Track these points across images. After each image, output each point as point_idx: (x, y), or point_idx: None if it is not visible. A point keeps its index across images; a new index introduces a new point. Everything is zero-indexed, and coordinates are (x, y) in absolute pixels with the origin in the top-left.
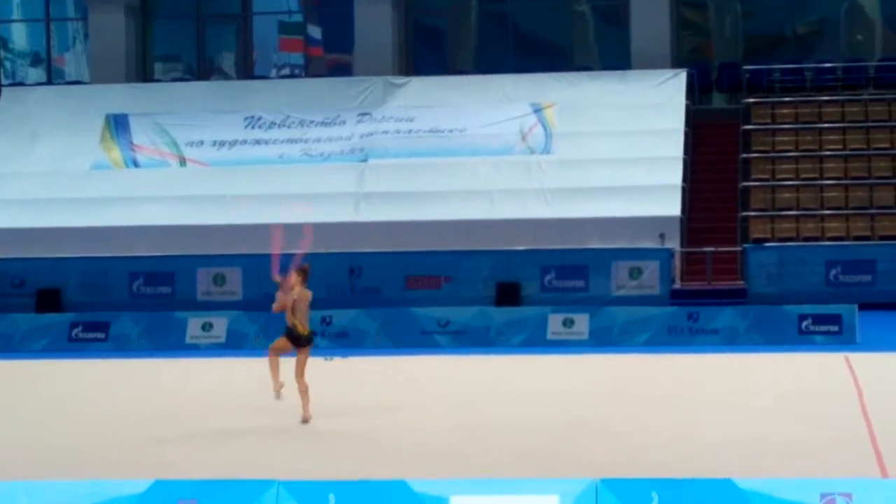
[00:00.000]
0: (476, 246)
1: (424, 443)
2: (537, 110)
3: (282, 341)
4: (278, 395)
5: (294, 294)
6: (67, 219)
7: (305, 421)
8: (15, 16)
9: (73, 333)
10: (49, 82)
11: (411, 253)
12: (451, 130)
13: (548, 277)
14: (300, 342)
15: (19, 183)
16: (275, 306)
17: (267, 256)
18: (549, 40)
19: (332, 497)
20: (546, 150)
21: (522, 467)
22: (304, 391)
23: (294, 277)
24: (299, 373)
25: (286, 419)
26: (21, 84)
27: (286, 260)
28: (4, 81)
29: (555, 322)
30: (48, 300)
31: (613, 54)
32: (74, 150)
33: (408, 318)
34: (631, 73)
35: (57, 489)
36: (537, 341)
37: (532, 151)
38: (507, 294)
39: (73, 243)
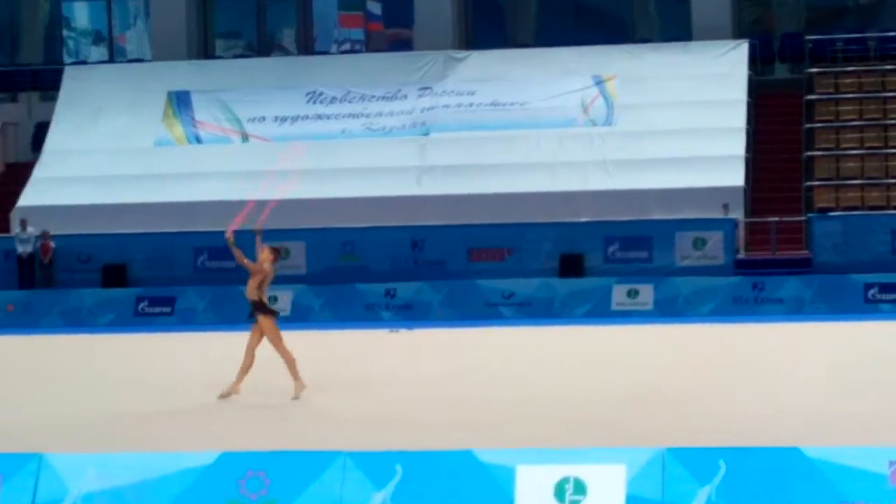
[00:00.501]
0: (539, 218)
1: (490, 413)
2: (599, 83)
3: (269, 324)
4: (228, 394)
5: (265, 267)
6: (132, 195)
7: (299, 392)
8: None
9: (140, 308)
10: (111, 60)
11: (474, 226)
12: (512, 104)
13: (611, 249)
14: (266, 313)
15: (84, 160)
16: (246, 262)
17: (331, 230)
18: (609, 12)
19: (398, 468)
20: (608, 122)
21: (588, 437)
22: (292, 362)
23: (267, 253)
24: (278, 344)
25: (350, 391)
26: (83, 62)
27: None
28: (67, 60)
29: (619, 293)
30: (114, 275)
31: (674, 26)
32: (137, 127)
33: (472, 290)
34: (692, 45)
35: (124, 461)
36: (601, 312)
37: (594, 124)
38: (571, 265)
39: (137, 219)
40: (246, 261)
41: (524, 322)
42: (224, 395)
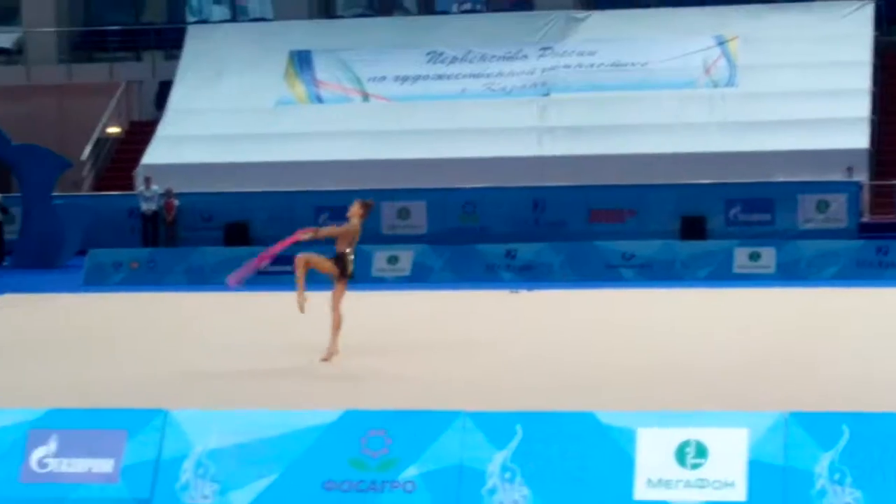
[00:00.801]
0: (660, 180)
1: (611, 375)
2: (721, 43)
3: (324, 260)
4: (302, 309)
5: (354, 222)
6: (253, 154)
7: (329, 357)
8: None
9: (262, 267)
10: (233, 19)
11: (595, 187)
12: (633, 64)
13: (733, 211)
14: (345, 273)
15: (206, 119)
16: (322, 231)
17: (452, 191)
18: None
19: (519, 428)
20: (730, 82)
21: (709, 401)
22: (337, 325)
23: (357, 208)
24: (337, 305)
25: (470, 352)
26: (206, 22)
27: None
28: (190, 19)
29: (741, 255)
30: (236, 234)
31: None
32: (259, 87)
33: (592, 251)
34: (816, 5)
35: (248, 418)
36: (723, 275)
37: (716, 84)
38: (692, 228)
39: (259, 178)
40: (330, 229)
41: (644, 284)
42: (325, 358)
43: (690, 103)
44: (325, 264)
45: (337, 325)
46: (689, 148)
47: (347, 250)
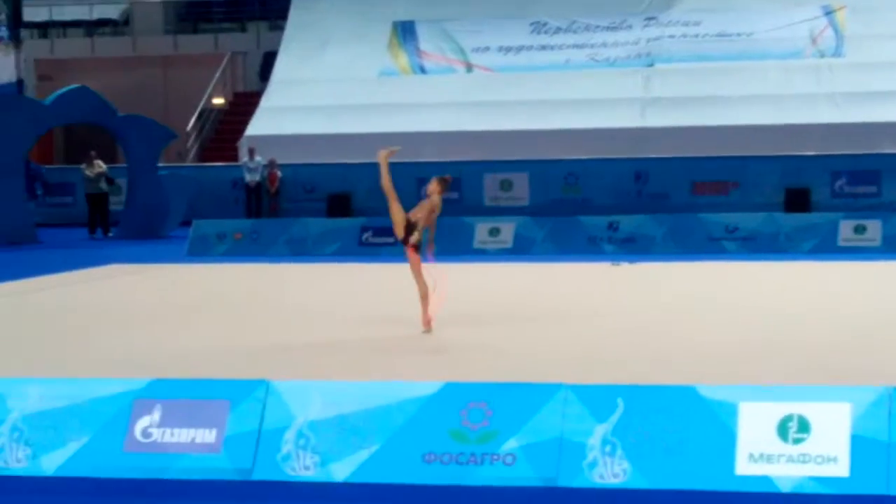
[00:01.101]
0: (764, 151)
1: (711, 349)
2: (828, 13)
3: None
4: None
5: (432, 202)
6: (356, 125)
7: (428, 327)
8: None
9: (364, 237)
10: None
11: (698, 158)
12: (738, 34)
13: (838, 183)
14: (406, 241)
15: (310, 89)
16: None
17: (554, 162)
18: None
19: (620, 401)
20: (837, 53)
21: (812, 375)
22: (424, 294)
23: (435, 185)
24: (417, 275)
25: (570, 323)
26: None
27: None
28: None
29: (846, 228)
30: (339, 205)
31: None
32: (362, 57)
33: (695, 223)
34: None
35: (349, 390)
36: (827, 248)
37: (822, 55)
38: (797, 200)
39: (362, 149)
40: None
41: (747, 257)
42: (426, 329)
43: (796, 74)
44: (398, 228)
45: (423, 295)
46: (793, 119)
47: (420, 223)
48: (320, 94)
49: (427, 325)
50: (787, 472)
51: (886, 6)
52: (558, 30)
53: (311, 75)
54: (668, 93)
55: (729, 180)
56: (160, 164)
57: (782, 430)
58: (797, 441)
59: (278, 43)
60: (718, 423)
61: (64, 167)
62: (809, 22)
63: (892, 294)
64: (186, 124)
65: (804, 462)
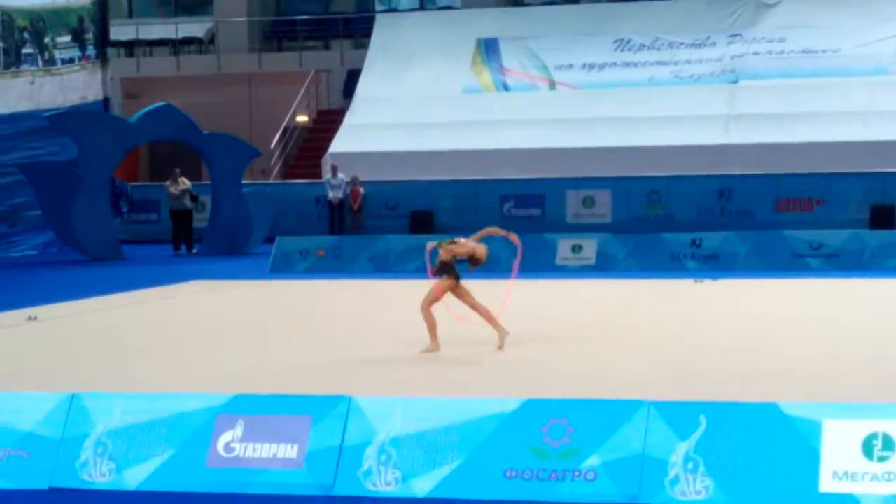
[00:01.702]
0: (849, 168)
1: (796, 366)
2: None
3: (440, 284)
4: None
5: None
6: (439, 142)
7: (501, 344)
8: None
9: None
10: (421, 8)
11: (782, 175)
12: (824, 51)
13: None
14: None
15: (394, 107)
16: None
17: (638, 179)
18: None
19: (702, 419)
20: None
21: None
22: (485, 315)
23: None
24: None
25: (655, 340)
26: (394, 10)
27: None
28: (379, 8)
29: None
30: (421, 222)
31: None
32: (446, 75)
33: (779, 240)
34: None
35: (430, 405)
36: None
37: None
38: (882, 217)
39: (444, 166)
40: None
41: (832, 274)
42: (500, 346)
43: (881, 90)
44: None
45: (485, 316)
46: (879, 136)
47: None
48: (403, 111)
49: (501, 342)
50: (871, 489)
51: None
52: (642, 47)
53: (395, 93)
54: (752, 109)
55: (813, 197)
56: (244, 182)
57: (867, 448)
58: (882, 459)
59: (362, 61)
60: (802, 441)
61: (149, 184)
62: (895, 38)
63: None
64: (270, 142)
65: (889, 480)
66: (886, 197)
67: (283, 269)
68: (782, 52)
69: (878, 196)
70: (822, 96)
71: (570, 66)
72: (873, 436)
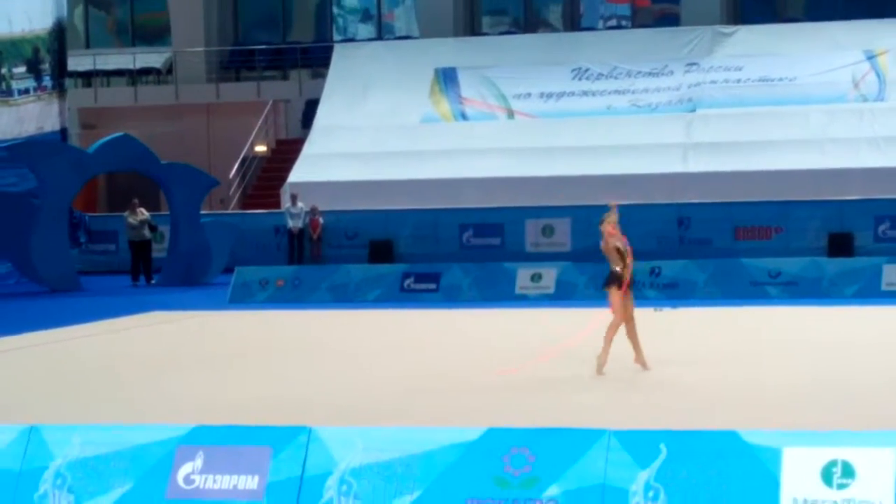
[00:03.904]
0: (807, 196)
1: (755, 394)
2: (870, 57)
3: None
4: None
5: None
6: (398, 171)
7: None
8: None
9: (405, 284)
10: (379, 38)
11: (741, 203)
12: (780, 79)
13: (882, 227)
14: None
15: (352, 136)
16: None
17: (597, 207)
18: None
19: (663, 447)
20: (880, 97)
21: (856, 420)
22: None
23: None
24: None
25: (613, 369)
26: (352, 40)
27: None
28: (336, 38)
29: (890, 273)
30: (381, 251)
31: None
32: (404, 104)
33: (738, 268)
34: None
35: (391, 436)
36: (871, 292)
37: (865, 99)
38: (840, 244)
39: (403, 195)
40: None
41: (791, 302)
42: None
43: (838, 118)
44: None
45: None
46: (836, 164)
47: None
48: (362, 140)
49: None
50: None
51: None
52: (600, 76)
53: (353, 122)
54: (709, 138)
55: (771, 225)
56: (203, 212)
57: (826, 475)
58: (841, 486)
59: (320, 90)
60: (762, 469)
61: (107, 215)
62: (851, 66)
63: None
64: (229, 172)
65: None
66: (844, 224)
67: (243, 299)
68: (739, 80)
69: (836, 224)
70: (779, 124)
71: (529, 94)
72: (833, 463)
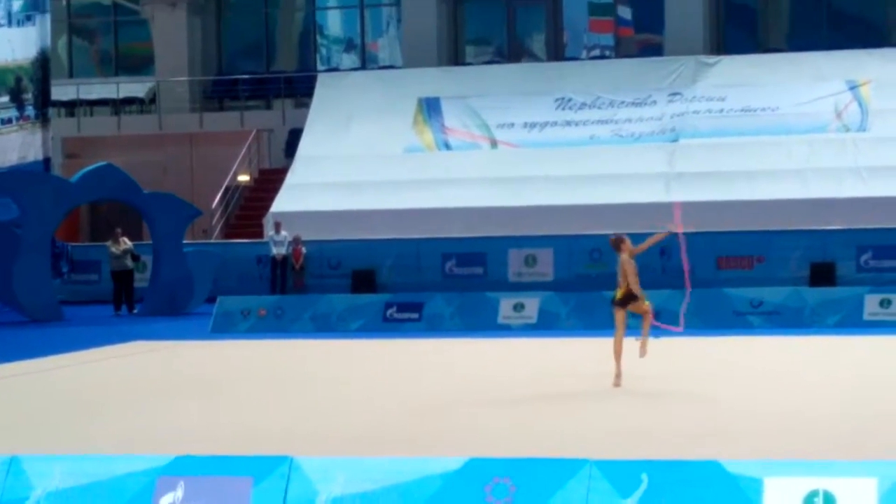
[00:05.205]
0: (789, 226)
1: (738, 424)
2: (852, 87)
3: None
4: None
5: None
6: (381, 201)
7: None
8: (331, 3)
9: (388, 314)
10: (363, 67)
11: (723, 233)
12: (763, 109)
13: (864, 257)
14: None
15: (335, 166)
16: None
17: (579, 237)
18: (864, 16)
19: (644, 477)
20: (862, 127)
21: (838, 449)
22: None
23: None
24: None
25: (593, 399)
26: (336, 69)
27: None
28: (320, 67)
29: (871, 303)
30: (363, 281)
31: None
32: (387, 134)
33: (720, 298)
34: None
35: (372, 466)
36: (853, 322)
37: (847, 129)
38: (822, 274)
39: (386, 225)
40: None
41: (773, 331)
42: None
43: (821, 148)
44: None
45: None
46: (818, 193)
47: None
48: (345, 170)
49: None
50: None
51: None
52: (583, 105)
53: (336, 152)
54: (692, 168)
55: (754, 255)
56: (185, 241)
57: None
58: None
59: (304, 120)
60: (744, 499)
61: (89, 245)
62: (834, 96)
63: None
64: (212, 201)
65: None
66: (826, 254)
67: (225, 329)
68: (722, 110)
69: (818, 253)
70: (761, 154)
71: (512, 124)
72: (814, 493)
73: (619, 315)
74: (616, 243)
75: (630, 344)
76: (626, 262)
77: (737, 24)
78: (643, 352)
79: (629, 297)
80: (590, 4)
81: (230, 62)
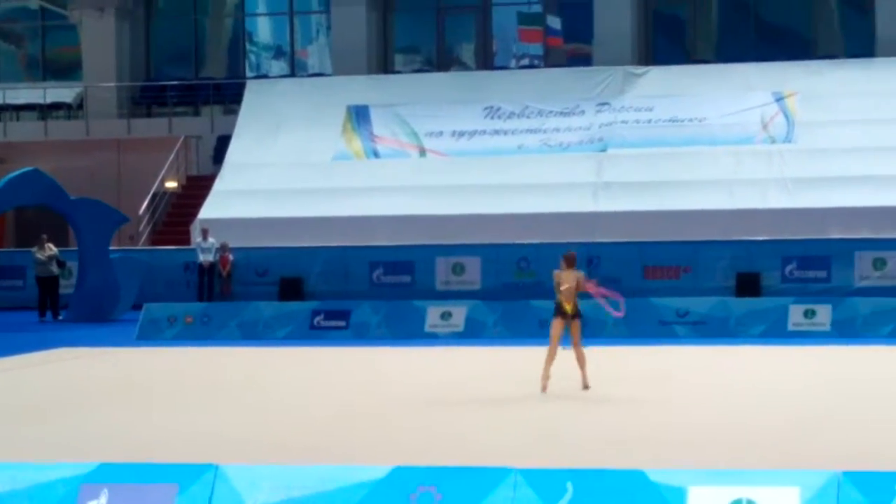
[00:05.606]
0: (716, 236)
1: (661, 433)
2: (779, 99)
3: (554, 322)
4: (543, 389)
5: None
6: (309, 208)
7: (585, 388)
8: (260, 10)
9: (315, 321)
10: (292, 74)
11: (650, 243)
12: (690, 120)
13: (789, 268)
14: (566, 316)
15: (263, 173)
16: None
17: (507, 246)
18: (791, 28)
19: (569, 485)
20: (788, 139)
21: (761, 459)
22: (581, 359)
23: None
24: (575, 343)
25: (517, 407)
26: (265, 77)
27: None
28: (249, 74)
29: (796, 313)
30: (291, 288)
31: (857, 42)
32: (316, 141)
33: (646, 307)
34: (876, 61)
35: (298, 474)
36: (778, 332)
37: (773, 140)
38: (748, 284)
39: (314, 233)
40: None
41: (698, 341)
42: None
43: (747, 159)
44: (556, 324)
45: (581, 359)
46: (744, 204)
47: (560, 300)
48: (273, 177)
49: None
50: None
51: (836, 93)
52: (511, 115)
53: (265, 159)
54: (620, 177)
55: (680, 265)
56: (112, 248)
57: None
58: None
59: (232, 127)
60: None
61: (15, 250)
62: (760, 108)
63: (840, 379)
64: (139, 207)
65: None
66: (752, 264)
67: (151, 335)
68: (650, 120)
69: (744, 263)
70: (688, 165)
71: (441, 133)
72: (737, 502)
73: (560, 326)
74: (574, 258)
75: (563, 353)
76: (583, 278)
77: (665, 35)
78: (580, 358)
79: (578, 314)
80: (519, 14)
81: (158, 68)
